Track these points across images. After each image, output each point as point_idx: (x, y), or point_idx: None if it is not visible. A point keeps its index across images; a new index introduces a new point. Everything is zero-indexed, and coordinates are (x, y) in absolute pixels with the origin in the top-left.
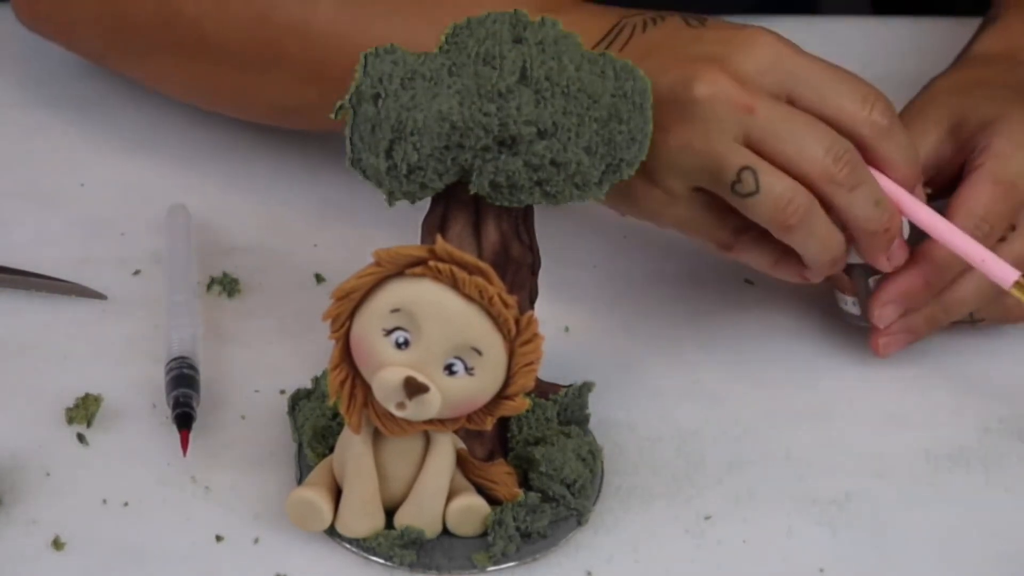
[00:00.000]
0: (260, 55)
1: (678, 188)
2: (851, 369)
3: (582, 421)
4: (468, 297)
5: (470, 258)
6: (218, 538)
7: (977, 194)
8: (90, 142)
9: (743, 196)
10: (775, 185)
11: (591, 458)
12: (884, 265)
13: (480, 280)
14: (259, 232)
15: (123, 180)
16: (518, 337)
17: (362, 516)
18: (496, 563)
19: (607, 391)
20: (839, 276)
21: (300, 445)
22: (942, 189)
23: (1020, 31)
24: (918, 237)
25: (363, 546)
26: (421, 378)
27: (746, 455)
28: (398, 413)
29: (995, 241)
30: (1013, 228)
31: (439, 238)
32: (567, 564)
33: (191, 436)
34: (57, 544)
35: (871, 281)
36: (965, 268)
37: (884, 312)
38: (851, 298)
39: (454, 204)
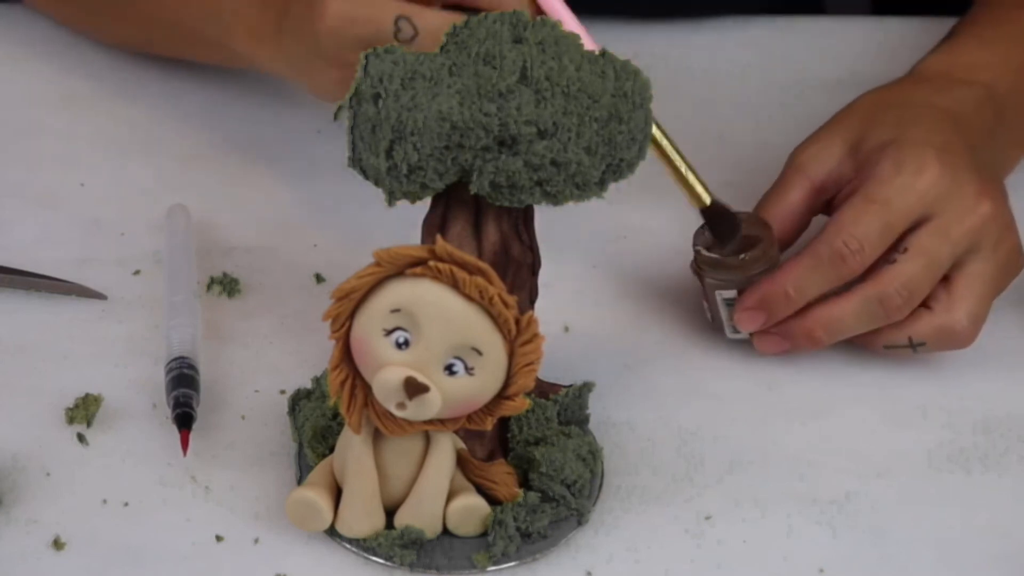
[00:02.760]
0: None
1: (354, 60)
2: (851, 369)
3: (582, 421)
4: (468, 297)
5: (470, 258)
6: (218, 538)
7: (849, 211)
8: (90, 142)
9: (409, 43)
10: (431, 19)
11: (591, 458)
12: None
13: (480, 280)
14: (259, 232)
15: (123, 180)
16: (518, 337)
17: (362, 516)
18: (496, 563)
19: (607, 391)
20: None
21: (300, 445)
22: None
23: (966, 51)
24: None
25: (363, 546)
26: (421, 378)
27: (746, 455)
28: (398, 413)
29: (872, 259)
30: (905, 251)
31: (439, 238)
32: (567, 564)
33: (191, 436)
34: (57, 544)
35: (719, 295)
36: (846, 290)
37: (742, 318)
38: (706, 304)
39: (454, 204)
